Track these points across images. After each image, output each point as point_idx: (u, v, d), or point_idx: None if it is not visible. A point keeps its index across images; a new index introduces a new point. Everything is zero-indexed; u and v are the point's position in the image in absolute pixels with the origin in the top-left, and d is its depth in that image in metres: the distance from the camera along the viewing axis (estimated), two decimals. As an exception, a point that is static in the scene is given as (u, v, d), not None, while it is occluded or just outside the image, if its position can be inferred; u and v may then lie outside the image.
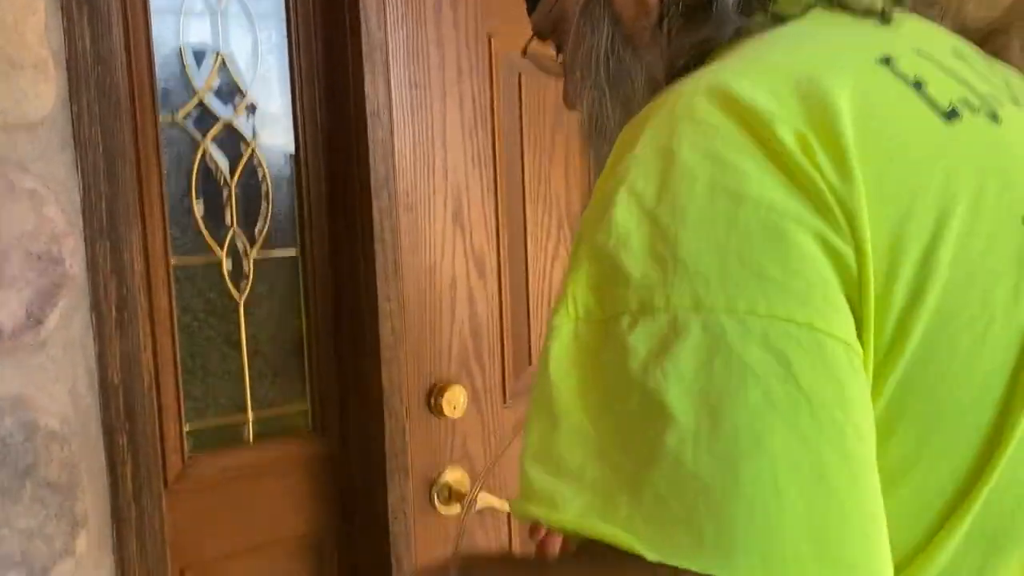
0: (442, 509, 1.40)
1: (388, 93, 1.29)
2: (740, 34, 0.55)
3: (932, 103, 0.47)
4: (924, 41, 0.53)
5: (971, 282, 0.42)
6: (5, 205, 0.94)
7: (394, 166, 1.30)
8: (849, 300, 0.41)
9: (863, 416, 0.39)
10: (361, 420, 1.34)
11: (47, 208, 0.97)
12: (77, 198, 1.01)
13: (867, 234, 0.41)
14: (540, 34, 0.75)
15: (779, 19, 0.54)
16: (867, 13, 0.54)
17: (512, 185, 1.46)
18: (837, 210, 0.41)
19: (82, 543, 1.02)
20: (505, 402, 1.47)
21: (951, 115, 0.47)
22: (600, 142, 0.66)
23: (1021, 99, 0.54)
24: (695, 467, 0.37)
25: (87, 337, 1.03)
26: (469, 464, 1.43)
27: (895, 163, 0.43)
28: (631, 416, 0.40)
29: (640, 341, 0.40)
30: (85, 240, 1.01)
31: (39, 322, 0.98)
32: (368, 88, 1.26)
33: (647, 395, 0.39)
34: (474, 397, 1.42)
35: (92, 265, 1.02)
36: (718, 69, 0.48)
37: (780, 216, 0.40)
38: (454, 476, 1.41)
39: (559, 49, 0.73)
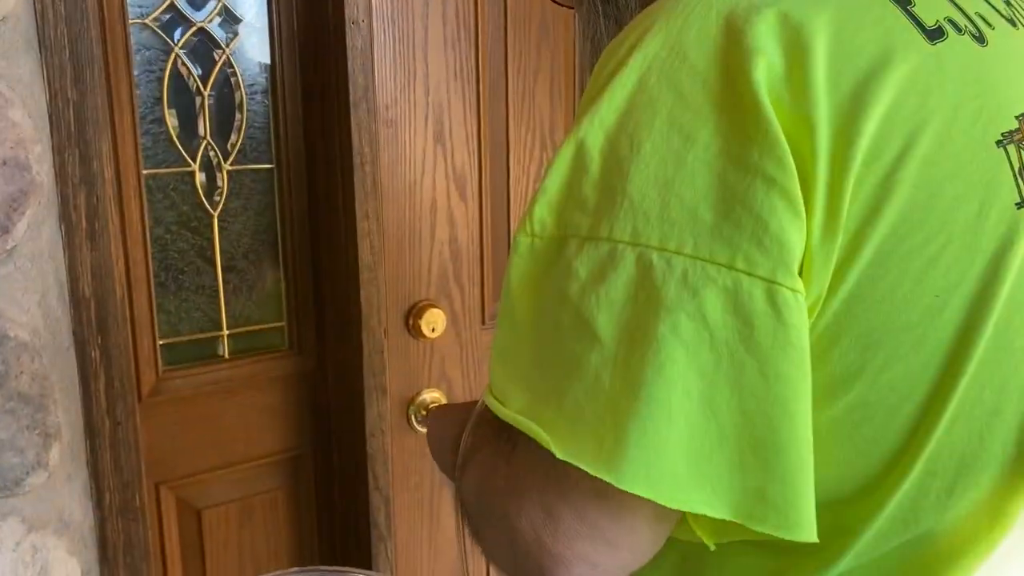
0: (419, 428, 1.40)
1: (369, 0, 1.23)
2: None
3: (917, 20, 0.46)
4: None
5: (931, 203, 0.43)
6: (-34, 107, 0.90)
7: (373, 78, 1.26)
8: (804, 229, 0.42)
9: (775, 354, 0.41)
10: (339, 339, 1.33)
11: (12, 111, 0.93)
12: (43, 103, 0.97)
13: (819, 167, 0.41)
14: None
15: None
16: None
17: (495, 102, 1.42)
18: (791, 148, 0.41)
19: (55, 455, 1.01)
20: (484, 324, 1.47)
21: (935, 34, 0.46)
22: (592, 58, 0.65)
23: (1020, 20, 0.53)
24: (609, 386, 0.41)
25: (56, 248, 1.00)
26: (447, 386, 1.43)
27: (869, 85, 0.42)
28: (564, 331, 0.44)
29: (582, 265, 0.43)
30: (53, 148, 0.97)
31: (6, 230, 0.94)
32: (348, -6, 1.21)
33: (580, 316, 0.43)
34: (453, 319, 1.41)
35: (61, 174, 0.98)
36: None
37: (724, 160, 0.42)
38: (431, 396, 1.41)
39: None
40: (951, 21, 0.47)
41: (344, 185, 1.26)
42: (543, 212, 0.46)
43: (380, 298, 1.30)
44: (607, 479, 0.40)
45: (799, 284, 0.41)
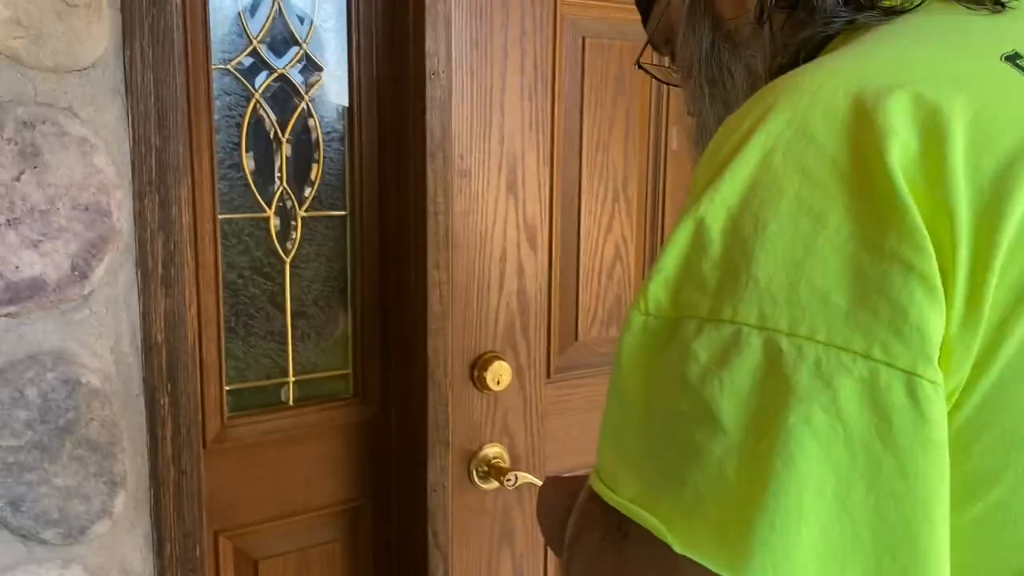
0: (480, 484, 1.36)
1: (448, 51, 1.22)
2: (851, 27, 0.53)
3: None
4: None
5: None
6: (55, 152, 0.90)
7: (450, 128, 1.25)
8: (943, 316, 0.40)
9: (915, 451, 0.39)
10: (404, 389, 1.30)
11: (97, 158, 0.93)
12: (127, 149, 0.97)
13: (961, 254, 0.39)
14: (656, 46, 0.75)
15: (891, 12, 0.52)
16: (982, 3, 0.51)
17: (569, 153, 1.40)
18: (929, 233, 0.39)
19: (119, 504, 1.00)
20: (549, 377, 1.43)
21: None
22: (705, 142, 0.65)
23: None
24: (735, 477, 0.40)
25: (131, 293, 0.99)
26: (509, 440, 1.40)
27: (1013, 169, 0.40)
28: (682, 417, 0.42)
29: (702, 348, 0.41)
30: (133, 194, 0.97)
31: (84, 276, 0.94)
32: (428, 44, 1.20)
33: (701, 401, 0.41)
34: (518, 371, 1.38)
35: (140, 219, 0.98)
36: (845, 68, 0.45)
37: (857, 244, 0.40)
38: (493, 451, 1.37)
39: (673, 58, 0.72)
40: None
41: (416, 234, 1.24)
42: (659, 291, 0.44)
43: (447, 349, 1.28)
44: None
45: (939, 376, 0.39)
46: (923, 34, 0.50)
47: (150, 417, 1.02)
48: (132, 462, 1.01)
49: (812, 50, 0.55)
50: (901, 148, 0.40)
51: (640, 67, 0.79)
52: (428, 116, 1.21)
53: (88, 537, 0.98)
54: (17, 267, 0.89)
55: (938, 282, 0.39)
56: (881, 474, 0.38)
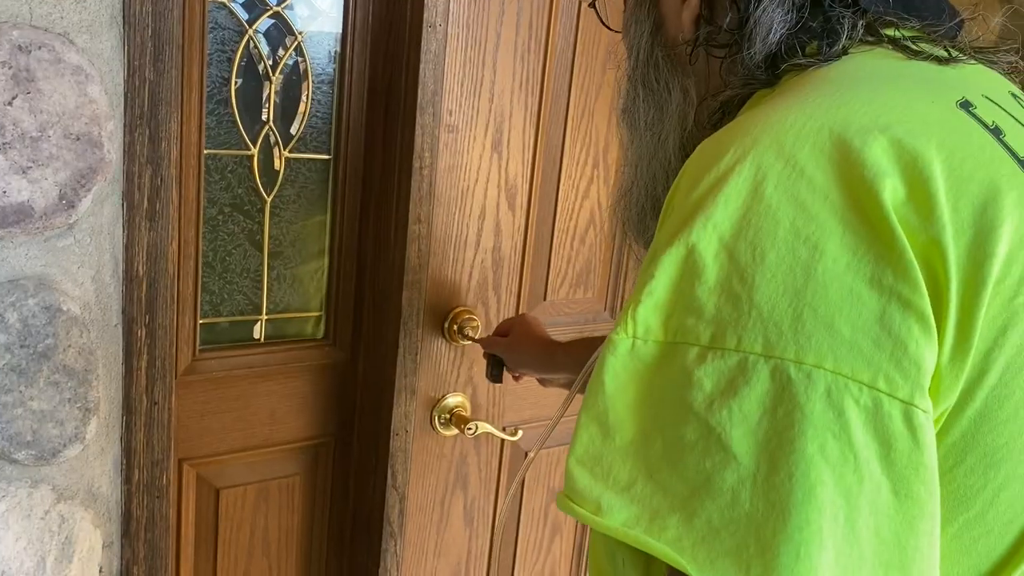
0: (441, 430, 1.41)
1: (447, 2, 1.22)
2: (799, 66, 0.54)
3: (1010, 151, 0.48)
4: (987, 85, 0.54)
5: None
6: (50, 79, 0.89)
7: (442, 83, 1.25)
8: (935, 349, 0.42)
9: (909, 474, 0.41)
10: (375, 336, 1.33)
11: (91, 87, 0.92)
12: (120, 80, 0.96)
13: (952, 290, 0.42)
14: (599, 13, 0.77)
15: (831, 56, 0.53)
16: (928, 57, 0.54)
17: (555, 116, 1.42)
18: (922, 271, 0.42)
19: (92, 429, 1.02)
20: (515, 334, 1.47)
21: None
22: (630, 132, 0.68)
23: None
24: (751, 507, 0.40)
25: (116, 225, 1.00)
26: (472, 391, 1.44)
27: (988, 209, 0.44)
28: (688, 445, 0.42)
29: (707, 376, 0.42)
30: (124, 126, 0.97)
31: (71, 205, 0.94)
32: (427, -4, 1.19)
33: (709, 430, 0.42)
34: (487, 326, 1.42)
35: (129, 152, 0.98)
36: (824, 107, 0.47)
37: (855, 276, 0.42)
38: (456, 400, 1.42)
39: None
40: None
41: (400, 187, 1.25)
42: (648, 315, 0.45)
43: (420, 300, 1.30)
44: None
45: (930, 405, 0.42)
46: (881, 78, 0.51)
47: (126, 347, 1.04)
48: (106, 390, 1.03)
49: (743, 100, 0.57)
50: (891, 189, 0.42)
51: (592, 7, 0.78)
52: (422, 68, 1.21)
53: (59, 460, 1.00)
54: (5, 192, 0.89)
55: (932, 317, 0.41)
56: (880, 496, 0.41)
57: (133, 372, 1.05)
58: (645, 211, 0.67)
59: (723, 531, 0.41)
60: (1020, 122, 0.51)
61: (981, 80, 0.55)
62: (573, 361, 1.02)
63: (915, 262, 0.42)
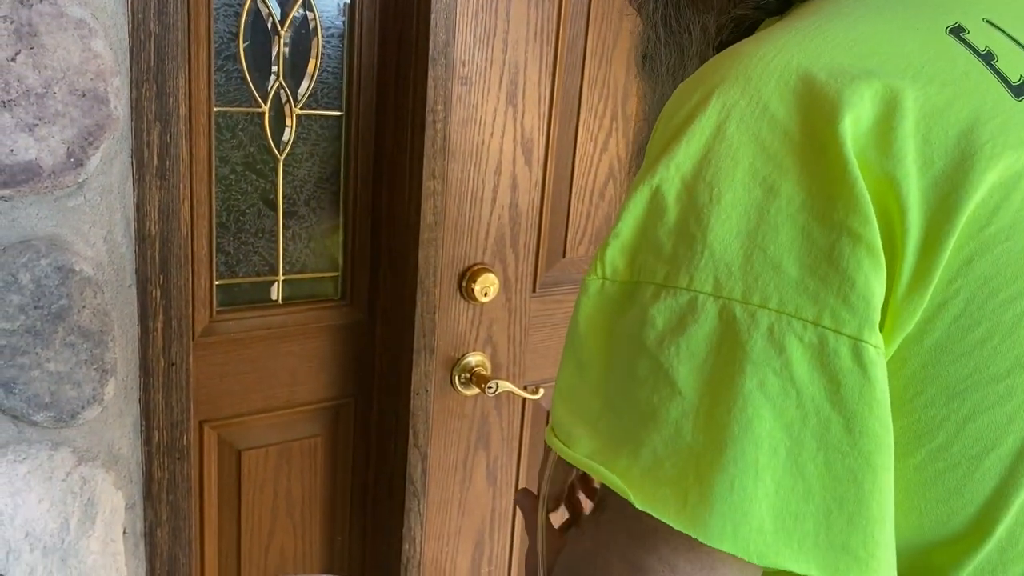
0: (461, 389, 1.40)
1: (457, -48, 1.18)
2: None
3: (1001, 76, 0.46)
4: (996, 10, 0.51)
5: (1022, 257, 0.43)
6: (53, 33, 0.87)
7: (455, 33, 1.22)
8: (884, 283, 0.42)
9: (861, 410, 0.41)
10: (392, 296, 1.31)
11: (95, 42, 0.90)
12: (125, 34, 0.94)
13: (909, 222, 0.41)
14: None
15: None
16: None
17: (571, 66, 1.38)
18: (874, 204, 0.41)
19: (110, 391, 1.01)
20: (535, 291, 1.45)
21: (1020, 90, 0.46)
22: (651, 80, 0.66)
23: None
24: (692, 439, 0.42)
25: (126, 183, 0.98)
26: (492, 349, 1.42)
27: (965, 138, 0.43)
28: (639, 380, 0.44)
29: (659, 314, 0.43)
30: (131, 82, 0.95)
31: (80, 163, 0.92)
32: (437, -56, 1.16)
33: (658, 366, 0.43)
34: (505, 284, 1.40)
35: (136, 109, 0.96)
36: (796, 41, 0.46)
37: (808, 215, 0.41)
38: (476, 359, 1.40)
39: None
40: None
41: (414, 142, 1.23)
42: (615, 255, 0.46)
43: (438, 259, 1.28)
44: (693, 534, 0.41)
45: (880, 340, 0.42)
46: (870, 7, 0.50)
47: (141, 308, 1.03)
48: (123, 351, 1.02)
49: (754, 24, 0.56)
50: (852, 121, 0.42)
51: None
52: (433, 18, 1.18)
53: (78, 422, 1.00)
54: (12, 150, 0.88)
55: (881, 250, 0.41)
56: (830, 432, 0.41)
57: (149, 333, 1.04)
58: None
59: (666, 461, 0.42)
60: (1022, 44, 0.49)
61: (991, 3, 0.52)
62: None
63: (866, 194, 0.41)
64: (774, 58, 0.45)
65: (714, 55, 0.56)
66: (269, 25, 1.17)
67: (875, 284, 0.41)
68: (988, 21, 0.49)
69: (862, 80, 0.43)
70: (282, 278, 1.27)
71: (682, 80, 0.60)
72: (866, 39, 0.46)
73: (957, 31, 0.47)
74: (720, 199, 0.43)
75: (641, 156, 0.69)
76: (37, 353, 0.95)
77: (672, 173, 0.44)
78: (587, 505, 0.91)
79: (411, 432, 1.33)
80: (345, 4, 1.22)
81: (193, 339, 1.18)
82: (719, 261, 0.42)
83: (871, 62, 0.44)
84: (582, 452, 0.46)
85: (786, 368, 0.41)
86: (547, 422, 1.13)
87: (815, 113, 0.42)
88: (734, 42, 0.53)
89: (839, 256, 0.41)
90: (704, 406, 0.42)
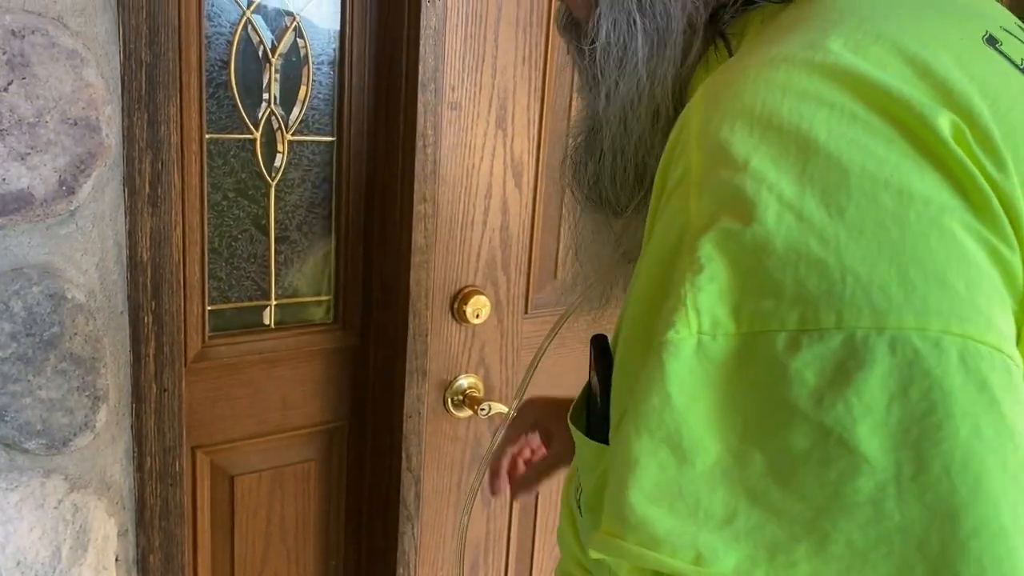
0: (454, 412, 1.40)
1: (445, -21, 1.20)
2: None
3: (1010, 60, 0.43)
4: (997, 14, 0.49)
5: None
6: (44, 63, 0.88)
7: (444, 59, 1.23)
8: (1014, 310, 0.37)
9: None
10: (384, 319, 1.32)
11: (87, 71, 0.91)
12: (116, 64, 0.95)
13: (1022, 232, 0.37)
14: None
15: None
16: None
17: (560, 89, 1.40)
18: (1001, 212, 0.36)
19: (102, 417, 1.01)
20: (527, 313, 1.45)
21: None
22: (615, 74, 0.53)
23: None
24: (903, 519, 0.33)
25: (118, 211, 0.99)
26: (484, 371, 1.43)
27: None
28: (799, 456, 0.35)
29: (806, 366, 0.34)
30: (122, 110, 0.96)
31: (72, 191, 0.93)
32: (425, -28, 1.18)
33: (824, 432, 0.34)
34: (497, 306, 1.40)
35: (128, 137, 0.97)
36: (810, 40, 0.41)
37: (951, 219, 0.35)
38: (468, 381, 1.40)
39: None
40: None
41: (404, 167, 1.24)
42: (713, 303, 0.36)
43: (429, 282, 1.29)
44: None
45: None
46: (903, 6, 0.45)
47: (133, 334, 1.03)
48: (115, 377, 1.03)
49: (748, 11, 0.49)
50: (949, 122, 0.37)
51: None
52: (422, 45, 1.19)
53: (70, 449, 1.00)
54: (4, 179, 0.88)
55: (1018, 261, 0.36)
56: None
57: (141, 359, 1.05)
58: (628, 175, 0.56)
59: (872, 554, 0.34)
60: None
61: (986, 7, 0.50)
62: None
63: (997, 203, 0.36)
64: (836, 62, 0.39)
65: (710, 46, 0.50)
66: (260, 53, 1.18)
67: (1015, 299, 0.36)
68: (1004, 29, 0.46)
69: (932, 76, 0.38)
70: (274, 303, 1.28)
71: (661, 74, 0.52)
72: (921, 36, 0.41)
73: (992, 42, 0.43)
74: (843, 212, 0.35)
75: (575, 160, 0.59)
76: (29, 380, 0.95)
77: (766, 195, 0.36)
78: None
79: (404, 455, 1.33)
80: (335, 32, 1.23)
81: (185, 365, 1.18)
82: (870, 285, 0.34)
83: (933, 61, 0.39)
84: (730, 566, 0.35)
85: (993, 404, 0.33)
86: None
87: (906, 119, 0.37)
88: (731, 31, 0.48)
89: (991, 272, 0.35)
90: (907, 472, 0.33)
